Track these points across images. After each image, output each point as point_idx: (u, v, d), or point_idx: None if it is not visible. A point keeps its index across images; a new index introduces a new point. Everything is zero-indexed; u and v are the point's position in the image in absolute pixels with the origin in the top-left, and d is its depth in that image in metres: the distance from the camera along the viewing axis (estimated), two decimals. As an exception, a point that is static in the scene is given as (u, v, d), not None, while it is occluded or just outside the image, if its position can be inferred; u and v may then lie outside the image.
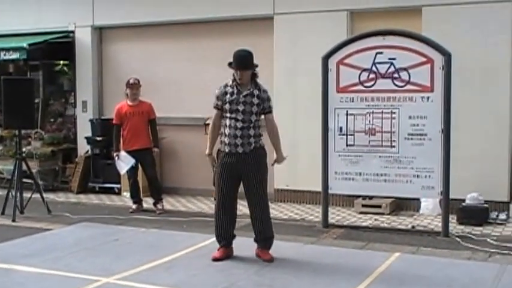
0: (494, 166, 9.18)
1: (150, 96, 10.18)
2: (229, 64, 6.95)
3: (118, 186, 11.57)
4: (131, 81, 9.96)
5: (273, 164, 7.31)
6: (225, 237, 7.14)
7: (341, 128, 8.51)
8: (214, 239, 7.99)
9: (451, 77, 7.98)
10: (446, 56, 7.99)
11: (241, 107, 6.86)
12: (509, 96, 9.15)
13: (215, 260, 7.02)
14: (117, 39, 12.35)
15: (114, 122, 10.03)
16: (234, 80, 6.95)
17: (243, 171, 6.96)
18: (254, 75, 7.00)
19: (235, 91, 6.91)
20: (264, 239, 7.14)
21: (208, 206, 10.46)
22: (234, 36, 11.01)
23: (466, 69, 8.86)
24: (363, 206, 9.70)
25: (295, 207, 10.28)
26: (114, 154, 9.97)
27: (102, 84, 12.51)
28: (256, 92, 6.93)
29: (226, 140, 6.92)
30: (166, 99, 10.22)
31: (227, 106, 6.89)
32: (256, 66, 7.02)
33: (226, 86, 6.99)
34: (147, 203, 10.28)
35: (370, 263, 6.86)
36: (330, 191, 8.67)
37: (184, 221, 9.22)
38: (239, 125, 6.85)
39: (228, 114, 6.90)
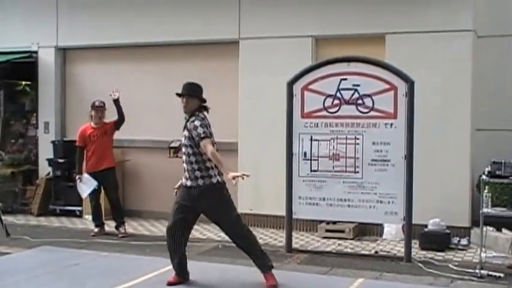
0: (456, 192, 9.28)
1: (114, 118, 10.09)
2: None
3: (79, 208, 11.44)
4: (96, 103, 9.88)
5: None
6: None
7: (305, 153, 8.55)
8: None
9: (414, 104, 8.08)
10: (409, 83, 8.10)
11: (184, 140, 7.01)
12: (471, 122, 9.30)
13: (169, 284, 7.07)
14: (81, 60, 12.27)
15: (77, 144, 9.92)
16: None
17: None
18: (201, 108, 7.08)
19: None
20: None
21: (171, 229, 10.37)
22: (200, 59, 11.07)
23: (428, 96, 8.98)
24: (327, 230, 9.72)
25: (258, 231, 10.22)
26: (77, 177, 9.86)
27: (65, 105, 12.40)
28: (187, 124, 6.98)
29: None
30: (130, 121, 10.15)
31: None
32: (203, 99, 7.14)
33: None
34: (109, 226, 10.17)
35: (334, 289, 6.87)
36: (294, 216, 8.68)
37: (147, 245, 9.13)
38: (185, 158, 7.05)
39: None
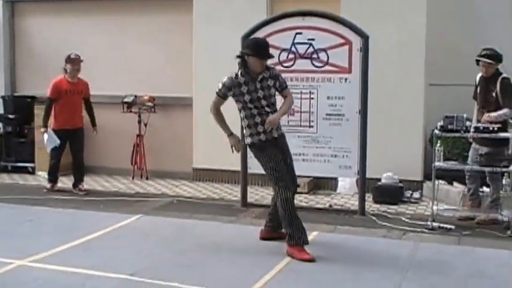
0: (409, 146, 9.40)
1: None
2: (245, 54, 6.59)
3: (32, 165, 11.25)
4: (72, 56, 9.57)
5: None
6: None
7: (260, 108, 8.52)
8: (133, 218, 7.95)
9: (369, 58, 8.10)
10: (364, 38, 8.10)
11: (261, 94, 6.60)
12: (424, 77, 9.37)
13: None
14: (31, 13, 11.94)
15: (50, 95, 9.50)
16: (243, 70, 6.61)
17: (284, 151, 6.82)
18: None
19: (249, 80, 6.59)
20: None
21: (125, 185, 10.33)
22: (154, 13, 10.90)
23: (382, 52, 8.99)
24: (281, 185, 9.75)
25: (214, 186, 10.26)
26: (42, 129, 9.50)
27: (15, 61, 12.09)
28: (267, 73, 6.66)
29: (260, 128, 6.64)
30: (83, 76, 9.95)
31: (246, 97, 6.59)
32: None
33: (236, 77, 6.61)
34: (62, 182, 10.05)
35: (288, 242, 6.91)
36: (249, 171, 8.68)
37: (101, 201, 9.07)
38: (268, 109, 6.65)
39: (249, 105, 6.61)
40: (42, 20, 11.81)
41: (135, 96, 10.69)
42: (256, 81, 6.59)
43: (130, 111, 10.70)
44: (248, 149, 7.14)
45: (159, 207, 8.77)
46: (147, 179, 10.75)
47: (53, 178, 9.82)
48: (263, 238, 7.03)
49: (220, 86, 6.68)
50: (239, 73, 6.62)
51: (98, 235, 7.22)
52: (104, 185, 10.37)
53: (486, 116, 7.62)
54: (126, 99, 10.71)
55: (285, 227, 6.54)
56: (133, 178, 10.75)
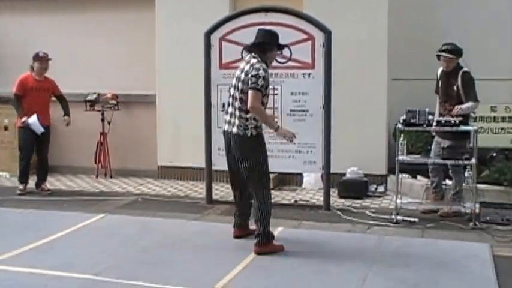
0: (373, 141, 9.46)
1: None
2: (269, 44, 6.51)
3: (-7, 165, 11.09)
4: (41, 54, 9.40)
5: None
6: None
7: (224, 104, 8.47)
8: (96, 217, 7.88)
9: (332, 54, 8.12)
10: (327, 33, 8.12)
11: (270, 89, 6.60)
12: (387, 72, 9.43)
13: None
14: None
15: (16, 91, 9.33)
16: (264, 60, 6.48)
17: None
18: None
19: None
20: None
21: (89, 184, 10.24)
22: (117, 10, 10.81)
23: (345, 46, 9.03)
24: (247, 181, 9.75)
25: (178, 183, 10.22)
26: (24, 119, 9.26)
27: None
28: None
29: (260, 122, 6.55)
30: (46, 74, 9.84)
31: (268, 90, 6.49)
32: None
33: (266, 68, 6.42)
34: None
35: (254, 238, 6.91)
36: (213, 167, 8.66)
37: (65, 200, 8.98)
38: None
39: (264, 98, 6.47)
40: (2, 18, 11.62)
41: (98, 94, 10.61)
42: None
43: (93, 110, 10.61)
44: (235, 139, 6.55)
45: (124, 205, 8.71)
46: (111, 177, 10.67)
47: (26, 179, 9.62)
48: (237, 237, 6.97)
49: (259, 81, 6.30)
50: (263, 65, 6.40)
51: (61, 235, 7.13)
52: (68, 184, 10.26)
53: (457, 109, 7.68)
54: (88, 98, 10.62)
55: (261, 224, 6.46)
56: (97, 177, 10.66)
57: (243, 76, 6.42)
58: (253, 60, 6.44)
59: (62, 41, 11.09)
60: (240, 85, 6.46)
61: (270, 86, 6.72)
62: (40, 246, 6.73)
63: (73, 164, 11.10)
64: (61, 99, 9.72)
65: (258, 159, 6.48)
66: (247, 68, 6.43)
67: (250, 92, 6.31)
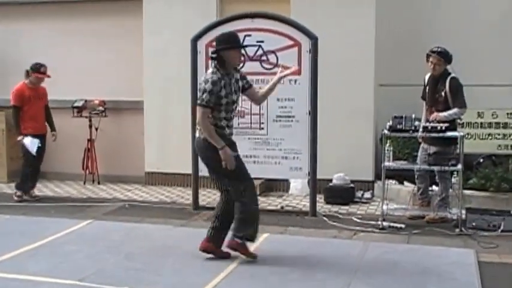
0: (360, 147, 9.48)
1: (17, 78, 9.65)
2: (223, 49, 6.10)
3: (-20, 171, 11.04)
4: (42, 69, 9.36)
5: None
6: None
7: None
8: (83, 223, 7.86)
9: (318, 60, 8.14)
10: (313, 39, 8.15)
11: (235, 96, 6.22)
12: (374, 78, 9.46)
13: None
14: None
15: (15, 103, 9.30)
16: (220, 68, 6.13)
17: None
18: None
19: (228, 81, 6.13)
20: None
21: (77, 190, 10.21)
22: (104, 16, 10.81)
23: (332, 53, 9.05)
24: (234, 187, 9.74)
25: (166, 189, 10.21)
26: (19, 138, 9.28)
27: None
28: (236, 73, 6.32)
29: (228, 131, 6.26)
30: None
31: (223, 100, 6.08)
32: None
33: (219, 78, 6.06)
34: (11, 188, 9.85)
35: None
36: (200, 174, 8.64)
37: (52, 207, 8.95)
38: (234, 114, 6.37)
39: (223, 108, 6.12)
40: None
41: (85, 100, 10.59)
42: (232, 81, 6.19)
43: (81, 116, 10.59)
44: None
45: (111, 211, 8.69)
46: (98, 183, 10.65)
47: (26, 186, 9.57)
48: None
49: (204, 95, 6.03)
50: (216, 74, 6.08)
51: (47, 241, 7.11)
52: (55, 191, 10.24)
53: (434, 115, 7.73)
54: (76, 104, 10.60)
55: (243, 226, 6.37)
56: (84, 183, 10.64)
57: None
58: (209, 71, 6.27)
59: (50, 48, 11.05)
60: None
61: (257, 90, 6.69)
62: (26, 252, 6.70)
63: (61, 171, 11.06)
64: (46, 108, 9.69)
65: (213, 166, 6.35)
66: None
67: (197, 107, 6.23)
